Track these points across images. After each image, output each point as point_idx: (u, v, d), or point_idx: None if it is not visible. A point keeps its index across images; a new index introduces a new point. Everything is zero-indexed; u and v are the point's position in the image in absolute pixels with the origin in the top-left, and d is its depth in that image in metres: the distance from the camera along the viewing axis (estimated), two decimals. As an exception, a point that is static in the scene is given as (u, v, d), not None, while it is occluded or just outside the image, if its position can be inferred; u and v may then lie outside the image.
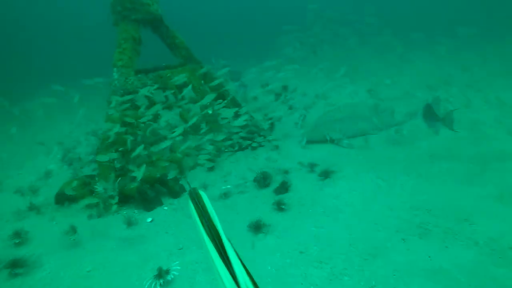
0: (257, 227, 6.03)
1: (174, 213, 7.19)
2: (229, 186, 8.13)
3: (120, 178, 7.70)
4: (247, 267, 1.42)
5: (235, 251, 1.53)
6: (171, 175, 7.82)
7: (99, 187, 7.38)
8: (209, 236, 1.64)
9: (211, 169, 9.14)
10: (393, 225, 5.79)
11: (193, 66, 9.84)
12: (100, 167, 7.70)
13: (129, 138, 7.88)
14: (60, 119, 16.23)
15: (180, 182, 8.17)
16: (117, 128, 7.74)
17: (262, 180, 7.86)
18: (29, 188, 8.78)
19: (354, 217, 6.21)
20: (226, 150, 9.87)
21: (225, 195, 7.62)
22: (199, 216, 1.80)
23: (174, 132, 8.63)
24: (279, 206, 6.72)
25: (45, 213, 7.75)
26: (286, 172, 8.36)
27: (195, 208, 1.89)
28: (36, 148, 12.45)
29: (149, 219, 7.05)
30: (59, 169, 10.09)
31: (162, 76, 8.83)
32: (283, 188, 7.44)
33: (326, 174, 7.92)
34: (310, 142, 10.18)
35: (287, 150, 9.96)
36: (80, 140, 11.76)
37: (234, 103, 10.52)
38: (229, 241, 1.59)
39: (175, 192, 7.86)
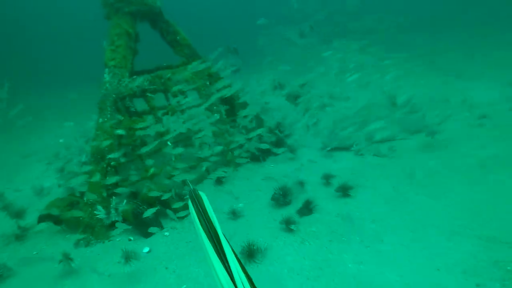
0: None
1: (177, 241, 5.96)
2: (240, 205, 6.90)
3: (113, 198, 6.51)
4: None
5: (232, 250, 1.63)
6: (169, 194, 6.60)
7: (101, 213, 6.15)
8: (207, 235, 1.74)
9: (219, 182, 7.92)
10: (457, 262, 4.49)
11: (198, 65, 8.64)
12: (90, 185, 6.51)
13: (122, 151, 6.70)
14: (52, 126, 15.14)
15: (184, 200, 6.95)
16: (108, 142, 6.55)
17: (282, 198, 6.60)
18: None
19: (401, 249, 4.92)
20: (237, 161, 8.63)
21: (235, 214, 6.38)
22: (198, 216, 1.89)
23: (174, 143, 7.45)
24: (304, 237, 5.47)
25: (29, 239, 6.61)
26: (305, 186, 7.10)
27: (194, 208, 1.98)
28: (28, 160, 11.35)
29: (146, 249, 5.83)
30: (51, 183, 8.91)
31: (161, 76, 7.65)
32: (307, 208, 6.18)
33: (356, 191, 6.64)
34: (329, 149, 8.91)
35: (305, 159, 8.70)
36: (73, 151, 10.58)
37: (244, 106, 9.30)
38: (227, 240, 1.68)
39: (178, 213, 6.64)
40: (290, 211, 6.34)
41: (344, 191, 6.65)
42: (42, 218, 6.80)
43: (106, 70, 7.18)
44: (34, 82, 23.85)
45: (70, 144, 11.68)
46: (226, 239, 1.69)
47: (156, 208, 6.14)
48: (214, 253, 1.63)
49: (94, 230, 6.25)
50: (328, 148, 8.79)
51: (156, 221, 6.42)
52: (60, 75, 24.54)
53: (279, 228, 5.82)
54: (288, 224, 5.72)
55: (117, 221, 6.11)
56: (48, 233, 6.74)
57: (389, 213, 5.86)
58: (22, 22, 39.39)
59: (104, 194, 6.49)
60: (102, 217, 6.15)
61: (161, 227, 6.44)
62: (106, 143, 6.60)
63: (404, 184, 6.80)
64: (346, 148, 8.72)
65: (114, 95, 6.94)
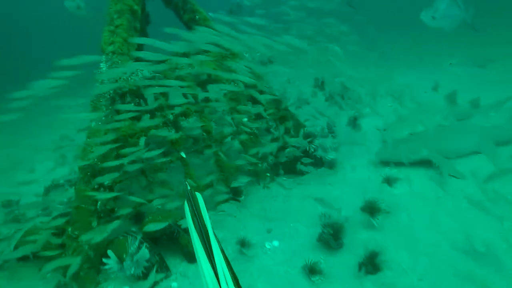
0: None
1: (187, 300, 4.29)
2: (276, 243, 5.11)
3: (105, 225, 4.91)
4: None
5: (221, 248, 1.70)
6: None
7: (112, 263, 4.54)
8: (198, 234, 1.79)
9: (244, 202, 6.17)
10: None
11: (222, 52, 6.81)
12: (76, 212, 4.90)
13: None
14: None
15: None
16: (102, 152, 4.91)
17: (332, 239, 4.76)
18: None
19: None
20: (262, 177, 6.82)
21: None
22: (192, 216, 1.92)
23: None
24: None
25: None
26: (360, 220, 5.21)
27: (189, 208, 1.98)
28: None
29: (143, 312, 4.19)
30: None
31: (173, 66, 5.88)
32: (371, 263, 4.30)
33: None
34: (385, 162, 6.92)
35: (355, 175, 6.76)
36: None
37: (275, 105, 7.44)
38: (217, 240, 1.74)
39: (190, 252, 4.96)
40: (345, 260, 4.50)
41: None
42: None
43: (103, 57, 5.49)
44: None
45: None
46: (217, 239, 1.75)
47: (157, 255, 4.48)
48: (203, 252, 1.70)
49: (79, 275, 4.66)
50: (390, 163, 6.79)
51: (161, 264, 4.75)
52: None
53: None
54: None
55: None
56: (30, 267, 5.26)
57: None
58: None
59: (94, 224, 4.87)
60: (114, 270, 4.56)
61: (166, 271, 4.77)
62: (98, 154, 4.97)
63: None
64: (405, 164, 6.67)
65: (111, 91, 5.25)
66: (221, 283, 1.53)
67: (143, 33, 7.08)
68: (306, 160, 6.66)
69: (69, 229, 4.89)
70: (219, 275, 1.55)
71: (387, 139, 7.43)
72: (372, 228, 5.05)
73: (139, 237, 4.79)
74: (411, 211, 5.34)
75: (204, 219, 1.88)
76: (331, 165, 7.11)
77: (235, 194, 6.28)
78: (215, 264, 1.61)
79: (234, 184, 5.95)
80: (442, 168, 6.15)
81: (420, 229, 4.90)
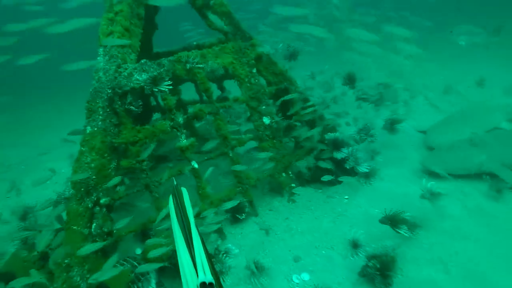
0: None
1: None
2: (305, 276, 4.17)
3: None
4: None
5: (201, 239, 1.80)
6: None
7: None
8: (180, 225, 1.89)
9: (267, 224, 5.26)
10: None
11: (240, 44, 5.87)
12: (67, 235, 4.09)
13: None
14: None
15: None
16: (98, 164, 4.10)
17: (379, 275, 3.79)
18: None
19: None
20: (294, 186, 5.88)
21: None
22: (176, 209, 2.03)
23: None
24: None
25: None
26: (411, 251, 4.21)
27: (173, 201, 2.10)
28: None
29: None
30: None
31: (183, 60, 4.97)
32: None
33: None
34: (431, 173, 5.86)
35: (392, 189, 5.74)
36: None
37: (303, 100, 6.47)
38: (198, 231, 1.85)
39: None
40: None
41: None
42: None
43: (100, 50, 4.63)
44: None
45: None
46: (198, 231, 1.85)
47: None
48: (183, 242, 1.78)
49: (69, 313, 3.86)
50: (436, 174, 5.74)
51: (166, 301, 3.91)
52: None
53: None
54: None
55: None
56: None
57: None
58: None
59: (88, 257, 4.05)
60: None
61: (174, 310, 3.93)
62: (93, 166, 4.14)
63: None
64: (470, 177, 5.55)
65: (109, 90, 4.39)
66: (198, 273, 1.58)
67: (149, 22, 6.21)
68: (326, 178, 5.55)
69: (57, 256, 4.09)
70: (197, 265, 1.60)
71: (432, 145, 6.35)
72: (430, 263, 4.04)
73: (142, 269, 3.95)
74: (477, 240, 4.30)
75: (188, 213, 1.95)
76: (366, 174, 6.09)
77: (237, 210, 5.30)
78: (194, 255, 1.67)
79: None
80: (508, 182, 5.05)
81: (494, 271, 3.86)
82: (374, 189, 5.79)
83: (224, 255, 4.33)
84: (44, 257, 4.49)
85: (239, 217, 5.30)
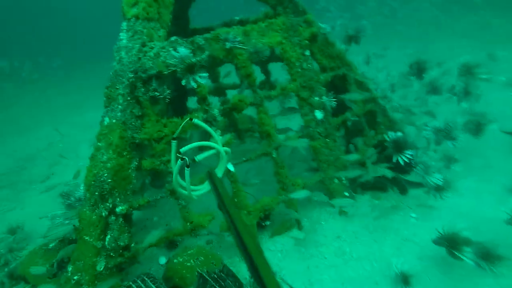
0: None
1: None
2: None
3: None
4: None
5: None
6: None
7: None
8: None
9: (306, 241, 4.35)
10: None
11: (291, 20, 4.80)
12: (78, 246, 3.46)
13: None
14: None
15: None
16: (114, 159, 3.38)
17: None
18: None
19: None
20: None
21: None
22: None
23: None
24: None
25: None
26: None
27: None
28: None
29: None
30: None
31: (222, 38, 4.05)
32: None
33: None
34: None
35: (474, 209, 4.54)
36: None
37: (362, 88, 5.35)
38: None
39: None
40: None
41: None
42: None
43: (124, 24, 3.83)
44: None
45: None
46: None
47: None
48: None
49: None
50: None
51: None
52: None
53: None
54: None
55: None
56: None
57: None
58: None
59: (100, 267, 3.40)
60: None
61: None
62: (109, 167, 3.43)
63: None
64: None
65: (131, 74, 3.60)
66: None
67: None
68: (376, 194, 4.44)
69: (69, 268, 3.49)
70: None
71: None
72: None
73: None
74: None
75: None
76: (438, 186, 4.92)
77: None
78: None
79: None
80: None
81: None
82: (449, 207, 4.63)
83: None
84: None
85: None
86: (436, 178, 4.72)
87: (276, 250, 4.29)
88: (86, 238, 3.45)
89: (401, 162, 4.83)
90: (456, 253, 3.65)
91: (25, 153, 9.27)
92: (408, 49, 11.59)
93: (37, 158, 8.87)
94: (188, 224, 3.74)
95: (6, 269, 4.32)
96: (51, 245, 4.16)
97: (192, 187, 2.57)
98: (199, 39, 3.93)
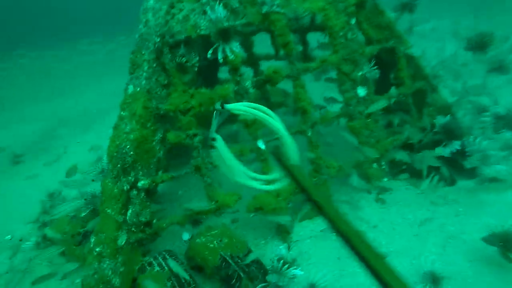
0: None
1: None
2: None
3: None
4: None
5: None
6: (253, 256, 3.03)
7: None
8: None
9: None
10: None
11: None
12: (101, 221, 3.34)
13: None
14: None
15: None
16: (139, 135, 3.16)
17: None
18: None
19: None
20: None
21: None
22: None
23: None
24: None
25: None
26: None
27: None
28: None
29: None
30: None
31: (259, 1, 3.61)
32: None
33: None
34: None
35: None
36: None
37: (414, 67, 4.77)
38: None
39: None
40: None
41: None
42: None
43: (151, -17, 3.49)
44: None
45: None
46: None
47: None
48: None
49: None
50: None
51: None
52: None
53: None
54: None
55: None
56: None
57: None
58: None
59: (121, 242, 3.29)
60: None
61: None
62: (132, 138, 3.23)
63: None
64: None
65: (157, 38, 3.29)
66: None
67: None
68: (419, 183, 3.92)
69: (92, 239, 3.40)
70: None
71: None
72: None
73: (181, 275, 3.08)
74: None
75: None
76: (493, 177, 4.37)
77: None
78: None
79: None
80: None
81: None
82: (505, 203, 4.10)
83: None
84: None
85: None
86: (496, 170, 4.19)
87: (305, 236, 4.01)
88: (108, 211, 3.32)
89: (444, 154, 4.31)
90: (510, 254, 3.27)
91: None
92: (466, 21, 10.36)
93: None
94: (213, 203, 3.52)
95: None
96: (82, 214, 4.13)
97: (258, 176, 2.14)
98: (234, 1, 3.52)
